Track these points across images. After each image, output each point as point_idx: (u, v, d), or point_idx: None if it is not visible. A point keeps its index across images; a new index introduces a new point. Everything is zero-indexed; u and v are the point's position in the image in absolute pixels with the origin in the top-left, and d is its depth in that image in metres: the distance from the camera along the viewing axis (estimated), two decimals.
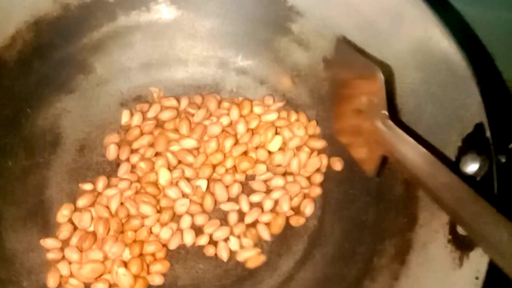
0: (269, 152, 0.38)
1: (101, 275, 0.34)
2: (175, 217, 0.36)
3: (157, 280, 0.34)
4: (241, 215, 0.36)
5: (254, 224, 0.36)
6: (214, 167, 0.37)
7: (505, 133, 0.32)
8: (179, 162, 0.37)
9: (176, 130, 0.38)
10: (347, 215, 0.36)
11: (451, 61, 0.31)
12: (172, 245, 0.35)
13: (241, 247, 0.35)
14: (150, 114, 0.39)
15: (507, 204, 0.25)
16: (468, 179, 0.29)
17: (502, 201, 0.26)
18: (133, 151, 0.38)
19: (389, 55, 0.34)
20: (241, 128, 0.38)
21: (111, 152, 0.38)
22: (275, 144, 0.37)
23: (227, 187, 0.37)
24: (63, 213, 0.35)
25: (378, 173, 0.32)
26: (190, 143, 0.37)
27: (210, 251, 0.35)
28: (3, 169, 0.36)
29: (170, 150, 0.37)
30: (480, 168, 0.29)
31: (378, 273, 0.32)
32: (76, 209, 0.36)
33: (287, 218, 0.36)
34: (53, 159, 0.38)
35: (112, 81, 0.40)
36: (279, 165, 0.38)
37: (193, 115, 0.39)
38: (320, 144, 0.38)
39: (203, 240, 0.36)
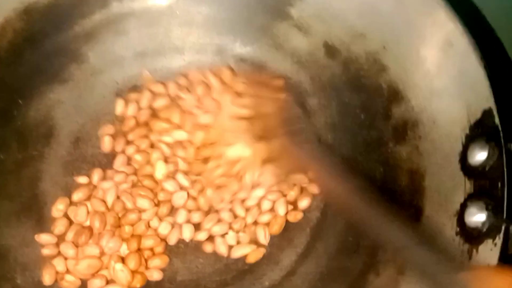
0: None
1: (98, 271, 0.33)
2: (173, 211, 0.35)
3: (156, 275, 0.33)
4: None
5: (254, 223, 0.35)
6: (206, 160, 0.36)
7: None
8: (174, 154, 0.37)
9: (168, 120, 0.37)
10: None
11: (457, 44, 0.30)
12: (172, 240, 0.34)
13: (239, 242, 0.35)
14: (143, 103, 0.38)
15: None
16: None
17: None
18: (128, 143, 0.37)
19: (391, 39, 0.33)
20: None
21: (106, 144, 0.37)
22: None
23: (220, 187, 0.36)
24: (58, 208, 0.35)
25: None
26: (181, 135, 0.36)
27: (208, 248, 0.34)
28: None
29: (164, 142, 0.36)
30: (488, 157, 0.28)
31: (383, 267, 0.31)
32: (71, 203, 0.35)
33: (285, 215, 0.35)
34: (47, 152, 0.37)
35: (106, 71, 0.39)
36: None
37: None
38: None
39: (201, 236, 0.35)
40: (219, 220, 0.35)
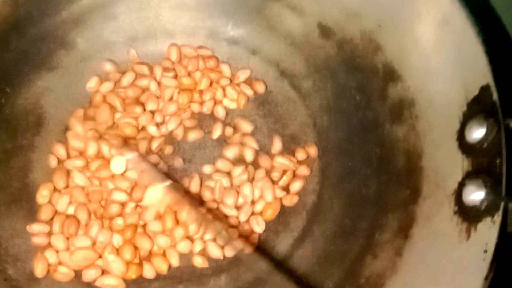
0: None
1: (93, 262, 0.32)
2: None
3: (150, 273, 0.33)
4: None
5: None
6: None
7: None
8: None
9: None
10: (347, 189, 0.35)
11: (454, 20, 0.30)
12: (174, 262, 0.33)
13: (230, 240, 0.34)
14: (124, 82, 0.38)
15: None
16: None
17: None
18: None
19: (387, 18, 0.33)
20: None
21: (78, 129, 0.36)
22: None
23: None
24: (42, 194, 0.34)
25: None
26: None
27: (198, 261, 0.33)
28: None
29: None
30: (487, 134, 0.27)
31: (381, 249, 0.31)
32: (55, 190, 0.34)
33: (280, 199, 0.35)
34: (37, 141, 0.36)
35: (96, 57, 0.38)
36: None
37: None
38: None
39: (197, 247, 0.34)
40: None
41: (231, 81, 0.38)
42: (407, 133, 0.33)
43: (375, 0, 0.34)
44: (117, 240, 0.33)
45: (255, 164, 0.36)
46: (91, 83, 0.38)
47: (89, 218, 0.33)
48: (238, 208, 0.34)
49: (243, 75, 0.39)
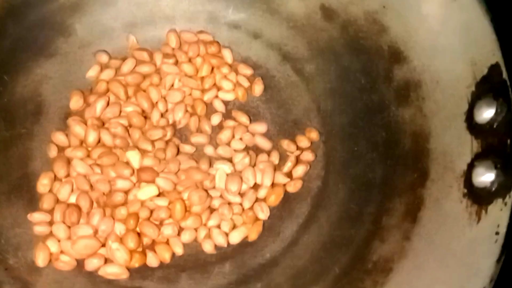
0: None
1: (96, 251, 0.32)
2: None
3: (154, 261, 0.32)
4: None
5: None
6: None
7: None
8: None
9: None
10: (352, 174, 0.34)
11: None
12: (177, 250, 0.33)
13: (235, 226, 0.33)
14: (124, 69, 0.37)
15: None
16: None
17: None
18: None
19: None
20: None
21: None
22: None
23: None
24: (42, 183, 0.33)
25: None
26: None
27: (207, 247, 0.33)
28: None
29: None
30: (496, 114, 0.27)
31: (388, 233, 0.30)
32: (56, 179, 0.34)
33: (284, 185, 0.34)
34: (36, 129, 0.35)
35: (95, 43, 0.38)
36: None
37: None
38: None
39: (202, 234, 0.33)
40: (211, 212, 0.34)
41: (231, 67, 0.38)
42: (414, 115, 0.32)
43: None
44: (120, 228, 0.32)
45: (258, 150, 0.36)
46: (92, 72, 0.37)
47: (91, 206, 0.33)
48: (241, 195, 0.34)
49: (244, 70, 0.38)
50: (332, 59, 0.36)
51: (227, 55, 0.38)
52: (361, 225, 0.32)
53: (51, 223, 0.32)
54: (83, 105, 0.36)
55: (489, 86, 0.27)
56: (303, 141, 0.36)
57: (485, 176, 0.26)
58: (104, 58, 0.37)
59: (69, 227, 0.32)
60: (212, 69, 0.38)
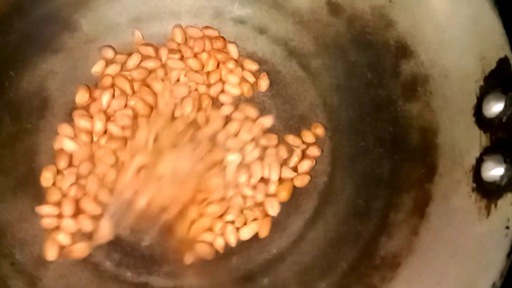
0: None
1: None
2: None
3: None
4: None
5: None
6: None
7: None
8: None
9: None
10: (359, 169, 0.34)
11: None
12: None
13: (246, 222, 0.33)
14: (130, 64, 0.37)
15: None
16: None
17: None
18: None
19: None
20: None
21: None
22: None
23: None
24: (45, 177, 0.33)
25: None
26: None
27: (219, 243, 0.33)
28: None
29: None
30: (505, 108, 0.27)
31: (396, 229, 0.30)
32: (59, 172, 0.34)
33: (292, 180, 0.34)
34: (42, 124, 0.35)
35: (101, 39, 0.37)
36: None
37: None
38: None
39: (217, 227, 0.33)
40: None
41: (236, 62, 0.38)
42: (422, 110, 0.32)
43: None
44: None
45: (264, 145, 0.35)
46: (97, 67, 0.37)
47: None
48: (253, 188, 0.34)
49: (250, 65, 0.38)
50: (338, 54, 0.36)
51: (233, 50, 0.38)
52: (369, 221, 0.31)
53: (59, 216, 0.32)
54: (89, 100, 0.36)
55: (497, 80, 0.27)
56: (309, 136, 0.35)
57: (495, 171, 0.26)
58: (109, 53, 0.37)
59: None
60: (218, 64, 0.38)
